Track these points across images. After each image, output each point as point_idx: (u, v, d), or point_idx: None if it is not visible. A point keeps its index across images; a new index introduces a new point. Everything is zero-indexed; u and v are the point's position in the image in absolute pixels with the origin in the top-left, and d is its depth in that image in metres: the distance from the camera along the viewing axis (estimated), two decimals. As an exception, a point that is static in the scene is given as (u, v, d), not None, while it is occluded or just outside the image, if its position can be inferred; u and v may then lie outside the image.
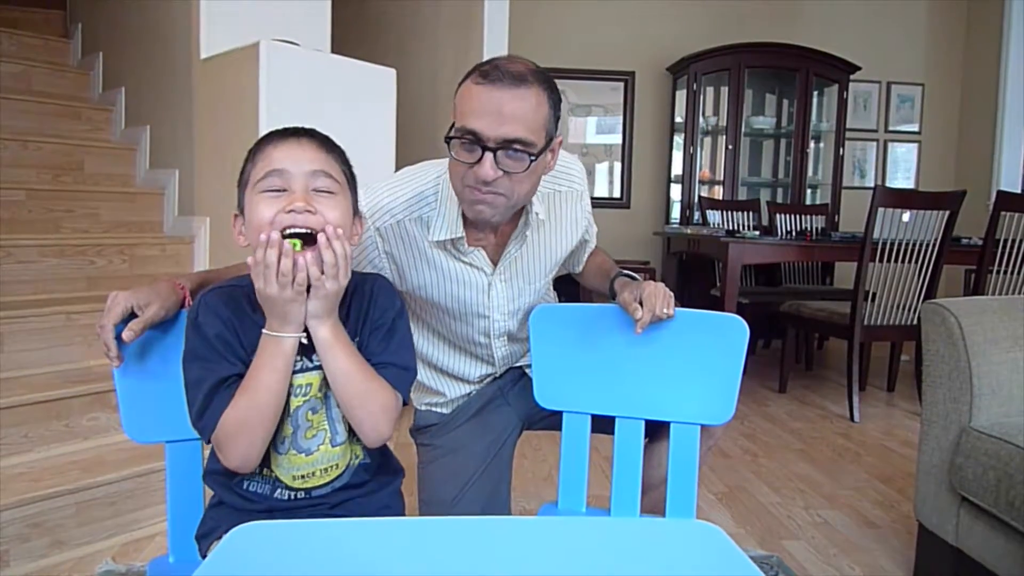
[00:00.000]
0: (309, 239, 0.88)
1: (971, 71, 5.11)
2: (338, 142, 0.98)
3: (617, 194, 5.04)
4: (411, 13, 3.96)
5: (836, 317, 3.27)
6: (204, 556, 0.97)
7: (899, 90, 5.15)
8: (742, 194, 4.81)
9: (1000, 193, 3.23)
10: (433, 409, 1.42)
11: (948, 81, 5.17)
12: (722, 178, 4.77)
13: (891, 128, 5.19)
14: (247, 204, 0.93)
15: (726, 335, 1.20)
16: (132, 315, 0.98)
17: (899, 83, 5.13)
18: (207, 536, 0.98)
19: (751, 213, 4.47)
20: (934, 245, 3.09)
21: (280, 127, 0.96)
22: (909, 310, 3.20)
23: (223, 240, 2.50)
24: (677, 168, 4.90)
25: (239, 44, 2.32)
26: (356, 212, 0.98)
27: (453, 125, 1.09)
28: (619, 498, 1.24)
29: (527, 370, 1.41)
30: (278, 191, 0.90)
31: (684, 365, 1.21)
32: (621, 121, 4.99)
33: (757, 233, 3.66)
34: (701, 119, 4.72)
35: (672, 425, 1.21)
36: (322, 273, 0.88)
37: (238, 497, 0.96)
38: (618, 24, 4.88)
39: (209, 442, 0.91)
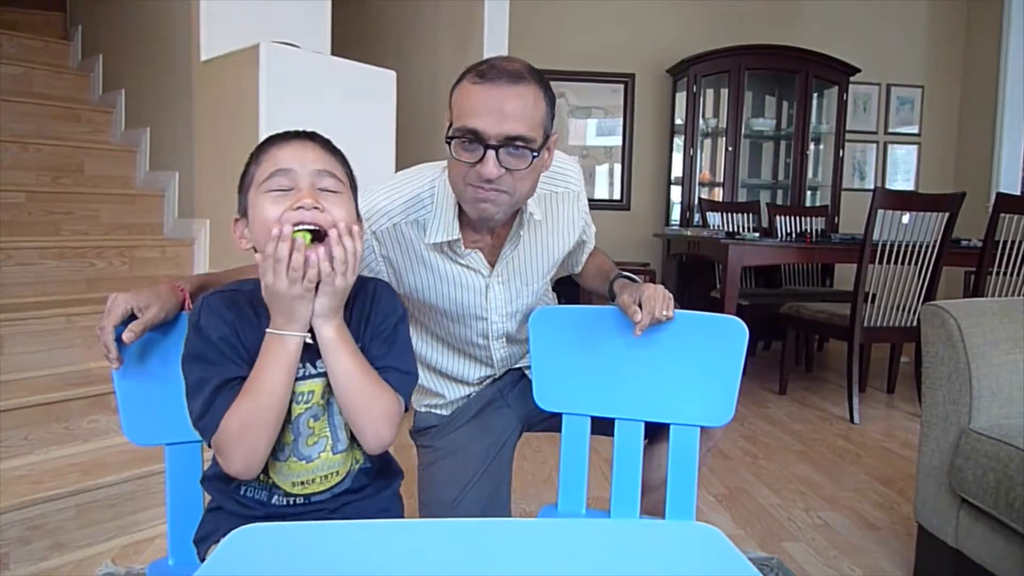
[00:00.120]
0: (317, 236, 0.88)
1: (971, 73, 5.11)
2: (338, 145, 0.99)
3: (617, 196, 5.04)
4: (411, 14, 3.96)
5: (836, 319, 3.27)
6: (202, 559, 0.97)
7: (899, 92, 5.15)
8: (742, 196, 4.81)
9: (999, 195, 3.23)
10: (433, 411, 1.43)
11: (948, 83, 5.17)
12: (722, 180, 4.76)
13: (891, 130, 5.19)
14: (251, 204, 0.93)
15: (725, 337, 1.20)
16: (132, 317, 0.98)
17: (899, 85, 5.13)
18: (205, 540, 0.98)
19: (751, 215, 4.47)
20: (934, 247, 3.10)
21: (281, 131, 0.97)
22: (909, 312, 3.20)
23: (223, 242, 2.50)
24: (677, 170, 4.90)
25: (239, 46, 2.32)
26: (357, 216, 0.98)
27: (451, 126, 1.09)
28: (619, 500, 1.24)
29: (527, 372, 1.41)
30: (284, 190, 0.90)
31: (684, 367, 1.21)
32: (621, 123, 4.99)
33: (757, 235, 3.66)
34: (701, 121, 4.72)
35: (672, 427, 1.21)
36: (332, 269, 0.88)
37: (235, 503, 0.96)
38: (618, 26, 4.88)
39: (211, 445, 0.91)
